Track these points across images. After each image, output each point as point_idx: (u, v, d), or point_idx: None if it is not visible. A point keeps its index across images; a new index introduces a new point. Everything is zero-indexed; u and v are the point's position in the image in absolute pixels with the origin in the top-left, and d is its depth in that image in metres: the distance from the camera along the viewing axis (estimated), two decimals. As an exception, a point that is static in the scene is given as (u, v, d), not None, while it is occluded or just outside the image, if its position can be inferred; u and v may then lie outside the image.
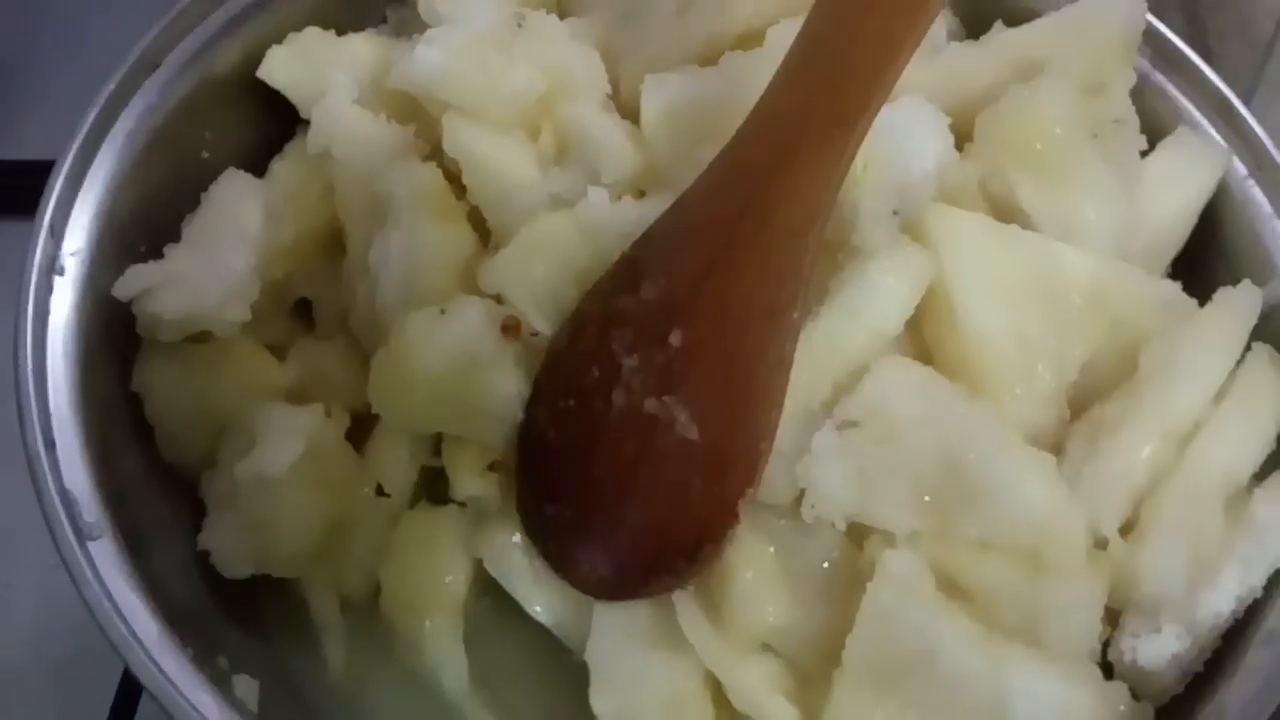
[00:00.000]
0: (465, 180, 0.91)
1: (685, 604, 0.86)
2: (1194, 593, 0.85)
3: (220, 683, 0.79)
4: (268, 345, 0.97)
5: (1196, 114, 1.01)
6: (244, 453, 0.89)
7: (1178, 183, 0.98)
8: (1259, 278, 0.95)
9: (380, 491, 0.93)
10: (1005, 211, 0.91)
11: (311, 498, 0.90)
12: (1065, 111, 0.92)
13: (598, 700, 0.86)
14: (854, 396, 0.83)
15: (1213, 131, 1.00)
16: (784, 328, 0.83)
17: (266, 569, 0.91)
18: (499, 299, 0.89)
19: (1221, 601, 0.86)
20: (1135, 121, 0.97)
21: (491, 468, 0.91)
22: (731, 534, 0.84)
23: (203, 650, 0.80)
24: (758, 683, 0.84)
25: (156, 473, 0.93)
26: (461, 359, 0.87)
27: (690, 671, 0.85)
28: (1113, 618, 0.87)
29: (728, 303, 0.84)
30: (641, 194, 0.90)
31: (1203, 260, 0.98)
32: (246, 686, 0.84)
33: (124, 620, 0.77)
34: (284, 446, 0.88)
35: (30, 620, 1.05)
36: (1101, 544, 0.86)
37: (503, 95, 0.91)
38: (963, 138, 0.93)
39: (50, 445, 0.81)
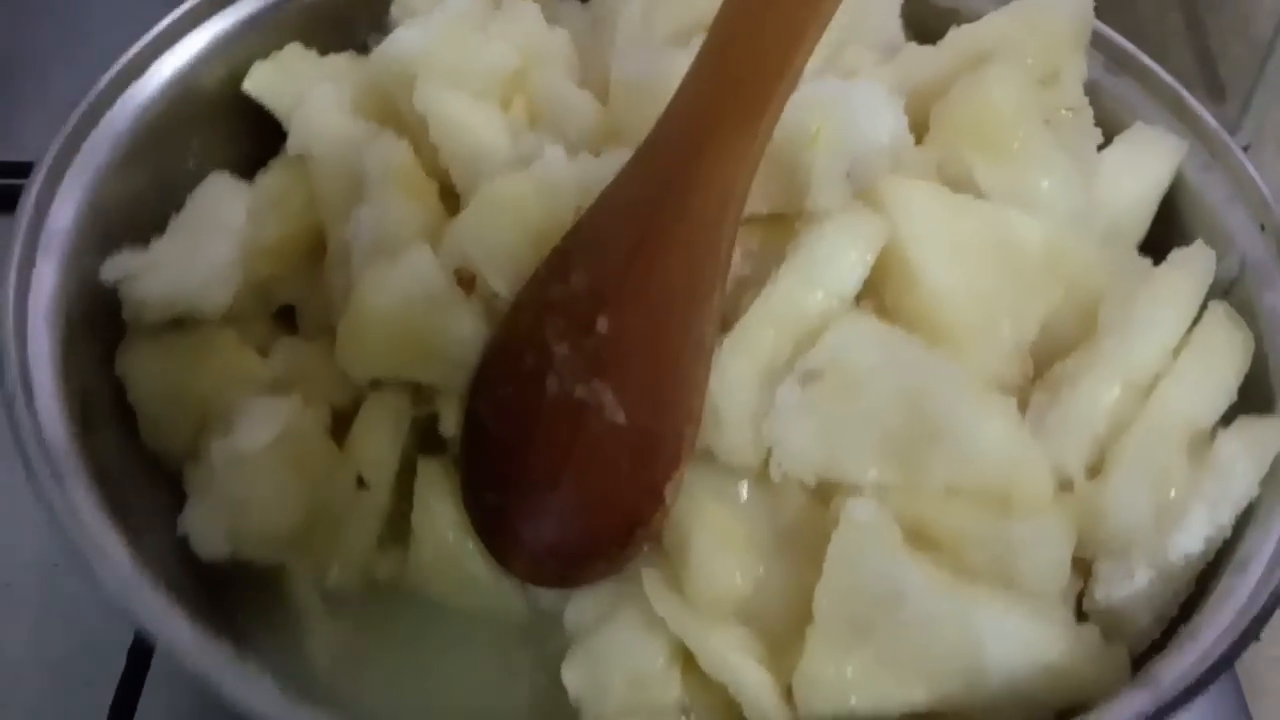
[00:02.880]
0: (433, 138, 0.92)
1: (651, 576, 0.85)
2: (1163, 534, 0.84)
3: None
4: (252, 347, 0.98)
5: (1151, 112, 1.03)
6: (222, 436, 0.90)
7: (1135, 172, 1.00)
8: (1219, 255, 0.95)
9: (361, 484, 0.92)
10: (963, 192, 0.92)
11: (287, 480, 0.89)
12: (1015, 92, 0.93)
13: (568, 672, 0.85)
14: (815, 349, 0.83)
15: (1169, 126, 1.02)
16: (704, 313, 0.84)
17: (242, 551, 0.90)
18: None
19: (1191, 542, 0.85)
20: (1089, 111, 0.99)
21: None
22: (660, 518, 0.84)
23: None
24: (728, 649, 0.83)
25: (136, 460, 0.93)
26: (414, 300, 0.87)
27: (658, 648, 0.84)
28: (1086, 570, 0.86)
29: (649, 289, 0.85)
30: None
31: (1167, 242, 0.98)
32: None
33: (99, 551, 0.77)
34: (261, 427, 0.89)
35: (30, 620, 1.04)
36: (1067, 486, 0.85)
37: (477, 69, 0.94)
38: (920, 129, 0.94)
39: (29, 396, 0.82)
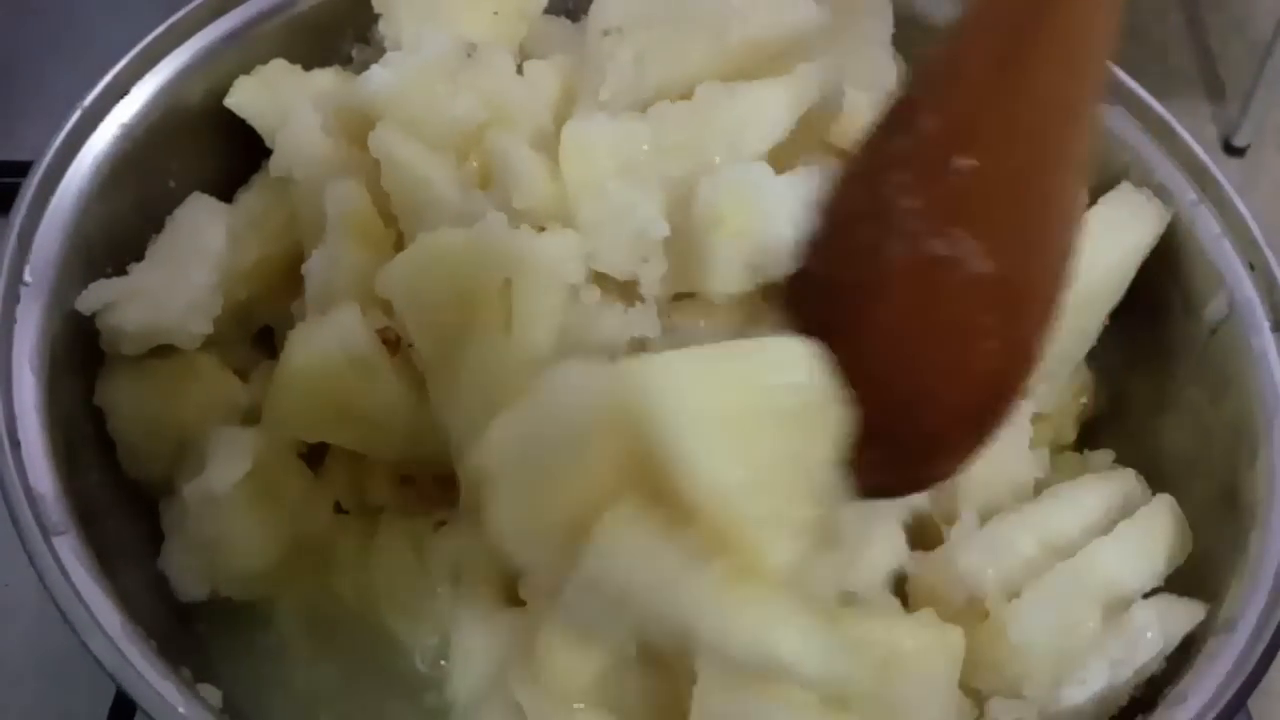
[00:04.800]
0: (384, 183, 0.90)
1: (515, 664, 0.84)
2: (1058, 680, 0.85)
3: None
4: (232, 370, 0.97)
5: (1143, 143, 1.01)
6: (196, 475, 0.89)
7: (1117, 235, 0.98)
8: (1207, 294, 0.97)
9: (339, 509, 0.94)
10: None
11: (262, 516, 0.89)
12: None
13: None
14: (578, 572, 0.74)
15: (1159, 159, 1.00)
16: (1080, 133, 0.74)
17: (222, 590, 0.90)
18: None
19: (1081, 696, 0.86)
20: None
21: (406, 480, 0.91)
22: (1025, 386, 0.76)
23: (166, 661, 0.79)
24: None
25: (120, 490, 0.93)
26: (337, 361, 0.86)
27: None
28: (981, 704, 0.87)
29: (1019, 108, 0.73)
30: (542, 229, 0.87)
31: (1154, 280, 0.99)
32: (209, 694, 0.82)
33: (88, 610, 0.77)
34: (230, 464, 0.88)
35: (30, 620, 1.04)
36: (979, 608, 0.86)
37: (442, 121, 0.92)
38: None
39: (15, 444, 0.81)
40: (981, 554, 0.88)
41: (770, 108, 0.90)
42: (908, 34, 1.04)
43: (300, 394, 0.88)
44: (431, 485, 0.92)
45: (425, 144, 0.91)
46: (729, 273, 0.86)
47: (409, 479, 0.92)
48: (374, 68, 0.93)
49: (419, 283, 0.86)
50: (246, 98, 1.01)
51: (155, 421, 0.93)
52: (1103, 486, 0.94)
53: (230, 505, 0.88)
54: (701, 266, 0.86)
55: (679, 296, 0.90)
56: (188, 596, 0.90)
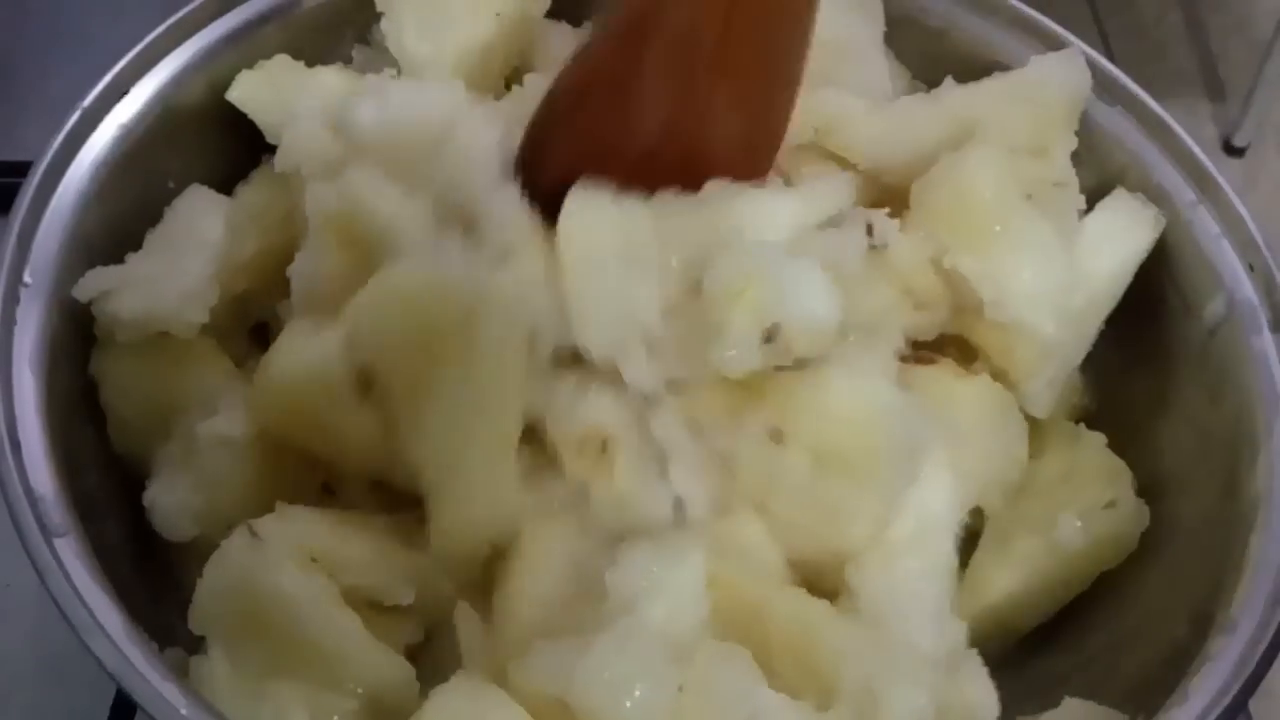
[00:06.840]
0: (355, 228, 0.89)
1: None
2: None
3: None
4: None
5: (1142, 144, 1.01)
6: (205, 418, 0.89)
7: (1115, 242, 0.98)
8: (1206, 295, 0.96)
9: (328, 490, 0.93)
10: (944, 274, 0.93)
11: (267, 468, 0.89)
12: (994, 176, 0.93)
13: None
14: None
15: (1158, 159, 1.00)
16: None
17: (210, 532, 0.87)
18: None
19: None
20: (1075, 184, 0.98)
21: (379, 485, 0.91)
22: None
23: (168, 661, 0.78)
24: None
25: (121, 486, 0.92)
26: (311, 386, 0.85)
27: None
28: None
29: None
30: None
31: (1153, 281, 0.99)
32: (210, 694, 0.82)
33: (90, 612, 0.76)
34: (244, 414, 0.88)
35: (30, 620, 1.04)
36: None
37: (423, 172, 0.91)
38: (905, 195, 0.95)
39: (16, 446, 0.81)
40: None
41: (778, 216, 0.90)
42: (903, 34, 1.05)
43: (275, 403, 0.87)
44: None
45: (401, 186, 0.90)
46: (744, 344, 0.84)
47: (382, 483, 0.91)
48: (364, 103, 0.92)
49: (381, 319, 0.84)
50: (248, 92, 1.01)
51: (148, 397, 0.93)
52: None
53: (240, 450, 0.88)
54: (713, 341, 0.85)
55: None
56: (174, 535, 0.89)
